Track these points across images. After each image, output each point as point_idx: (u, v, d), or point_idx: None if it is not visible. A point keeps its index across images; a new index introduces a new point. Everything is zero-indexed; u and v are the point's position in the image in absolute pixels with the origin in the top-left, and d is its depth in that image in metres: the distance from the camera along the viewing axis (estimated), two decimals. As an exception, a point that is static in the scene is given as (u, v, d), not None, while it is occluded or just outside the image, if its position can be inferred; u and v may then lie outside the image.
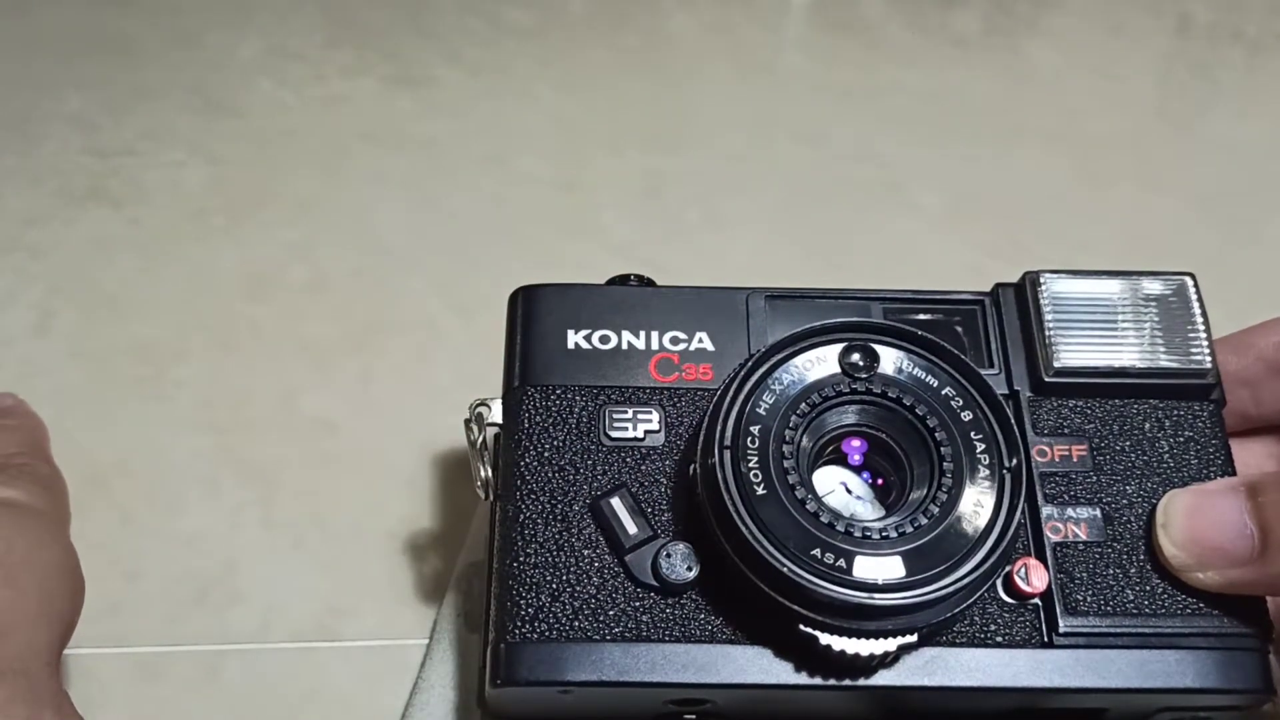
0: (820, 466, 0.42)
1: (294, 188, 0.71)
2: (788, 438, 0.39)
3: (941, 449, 0.40)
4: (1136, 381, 0.44)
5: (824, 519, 0.38)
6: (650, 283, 0.47)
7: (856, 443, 0.41)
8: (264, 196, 0.70)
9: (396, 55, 0.79)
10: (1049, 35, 0.86)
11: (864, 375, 0.41)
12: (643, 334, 0.45)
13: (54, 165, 0.71)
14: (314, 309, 0.64)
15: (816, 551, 0.37)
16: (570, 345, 0.44)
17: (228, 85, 0.77)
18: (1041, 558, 0.41)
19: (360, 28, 0.82)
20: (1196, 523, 0.41)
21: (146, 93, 0.76)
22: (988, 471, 0.39)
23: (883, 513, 0.41)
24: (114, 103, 0.75)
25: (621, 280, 0.47)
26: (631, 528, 0.41)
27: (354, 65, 0.79)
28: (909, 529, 0.38)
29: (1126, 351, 0.45)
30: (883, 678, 0.39)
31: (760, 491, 0.38)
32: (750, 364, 0.41)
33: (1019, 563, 0.41)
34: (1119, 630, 0.41)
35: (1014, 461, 0.40)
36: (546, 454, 0.42)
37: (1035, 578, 0.41)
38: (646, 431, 0.43)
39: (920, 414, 0.40)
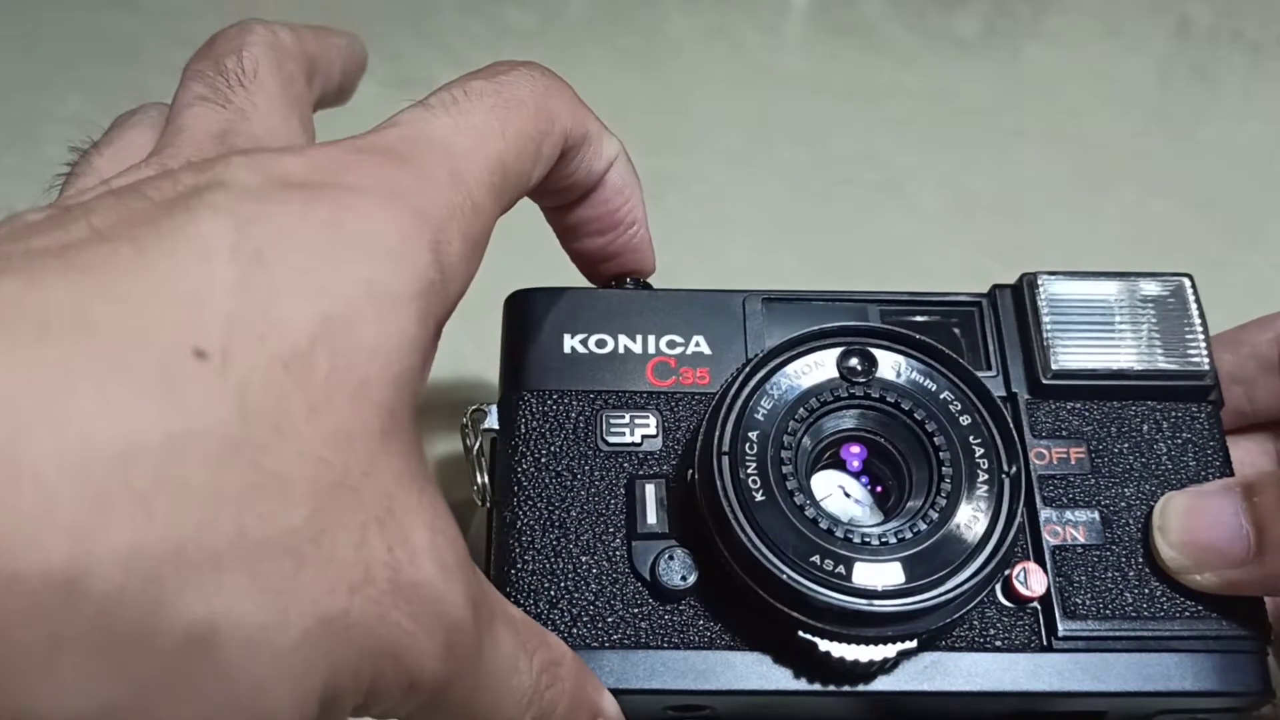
0: (818, 471, 0.42)
1: (293, 189, 0.70)
2: (786, 443, 0.39)
3: (940, 454, 0.40)
4: (1134, 383, 0.44)
5: (823, 525, 0.38)
6: (646, 285, 0.47)
7: (856, 449, 0.42)
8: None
9: (397, 57, 0.79)
10: (1049, 37, 0.86)
11: (862, 380, 0.41)
12: (639, 338, 0.45)
13: (54, 166, 0.71)
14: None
15: (815, 558, 0.37)
16: (566, 350, 0.44)
17: (228, 87, 0.77)
18: (1040, 561, 0.41)
19: (360, 29, 0.81)
20: (1192, 524, 0.41)
21: (147, 94, 0.75)
22: (986, 477, 0.39)
23: (881, 517, 0.41)
24: (114, 104, 0.74)
25: (618, 283, 0.47)
26: (650, 517, 0.41)
27: (354, 67, 0.79)
28: (908, 534, 0.38)
29: (1124, 353, 0.45)
30: (882, 683, 0.39)
31: (759, 498, 0.38)
32: (748, 369, 0.41)
33: (1018, 566, 0.41)
34: (1118, 633, 0.41)
35: (1013, 469, 0.40)
36: (543, 460, 0.42)
37: (1034, 581, 0.41)
38: (644, 436, 0.43)
39: (919, 419, 0.40)
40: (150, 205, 0.28)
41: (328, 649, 0.26)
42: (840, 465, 0.42)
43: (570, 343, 0.44)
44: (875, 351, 0.41)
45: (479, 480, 0.44)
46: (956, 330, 0.46)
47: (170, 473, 0.24)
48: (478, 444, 0.44)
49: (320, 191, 0.30)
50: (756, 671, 0.39)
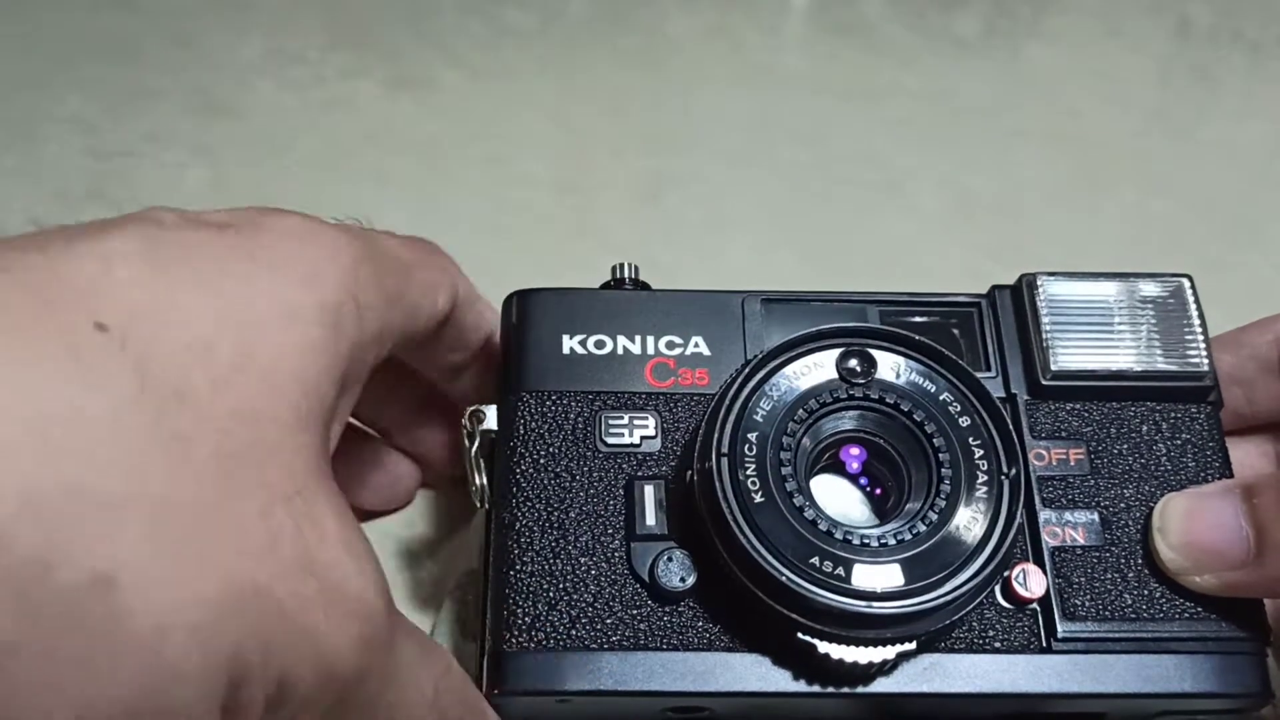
0: (818, 473, 0.42)
1: (294, 189, 0.70)
2: (785, 445, 0.39)
3: (939, 455, 0.40)
4: (1133, 384, 0.44)
5: (822, 527, 0.38)
6: (645, 285, 0.47)
7: (855, 451, 0.41)
8: (264, 198, 0.69)
9: (397, 57, 0.79)
10: (1049, 37, 0.86)
11: (861, 381, 0.41)
12: (638, 339, 0.44)
13: (54, 166, 0.71)
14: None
15: (815, 560, 0.37)
16: (565, 350, 0.44)
17: (228, 87, 0.77)
18: (1039, 563, 0.41)
19: (360, 29, 0.82)
20: (1192, 526, 0.41)
21: (147, 94, 0.76)
22: (986, 478, 0.39)
23: (880, 519, 0.41)
24: (114, 104, 0.75)
25: (617, 283, 0.47)
26: (649, 518, 0.41)
27: (354, 67, 0.79)
28: (907, 536, 0.38)
29: (1123, 354, 0.45)
30: (881, 685, 0.39)
31: (758, 499, 0.38)
32: (747, 370, 0.41)
33: (1017, 568, 0.41)
34: (1117, 635, 0.41)
35: (1013, 471, 0.40)
36: (542, 461, 0.42)
37: (1033, 583, 0.41)
38: (643, 438, 0.43)
39: (918, 420, 0.40)
40: (74, 230, 0.30)
41: (235, 615, 0.27)
42: (840, 466, 0.42)
43: (569, 343, 0.44)
44: (875, 352, 0.41)
45: (478, 481, 0.44)
46: (956, 331, 0.46)
47: (71, 421, 0.26)
48: (476, 445, 0.44)
49: (239, 228, 0.33)
50: (755, 673, 0.39)
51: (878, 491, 0.42)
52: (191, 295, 0.30)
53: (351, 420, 0.42)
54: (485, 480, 0.44)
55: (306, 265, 0.33)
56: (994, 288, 0.46)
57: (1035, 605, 0.41)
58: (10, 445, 0.25)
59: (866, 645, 0.37)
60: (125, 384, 0.27)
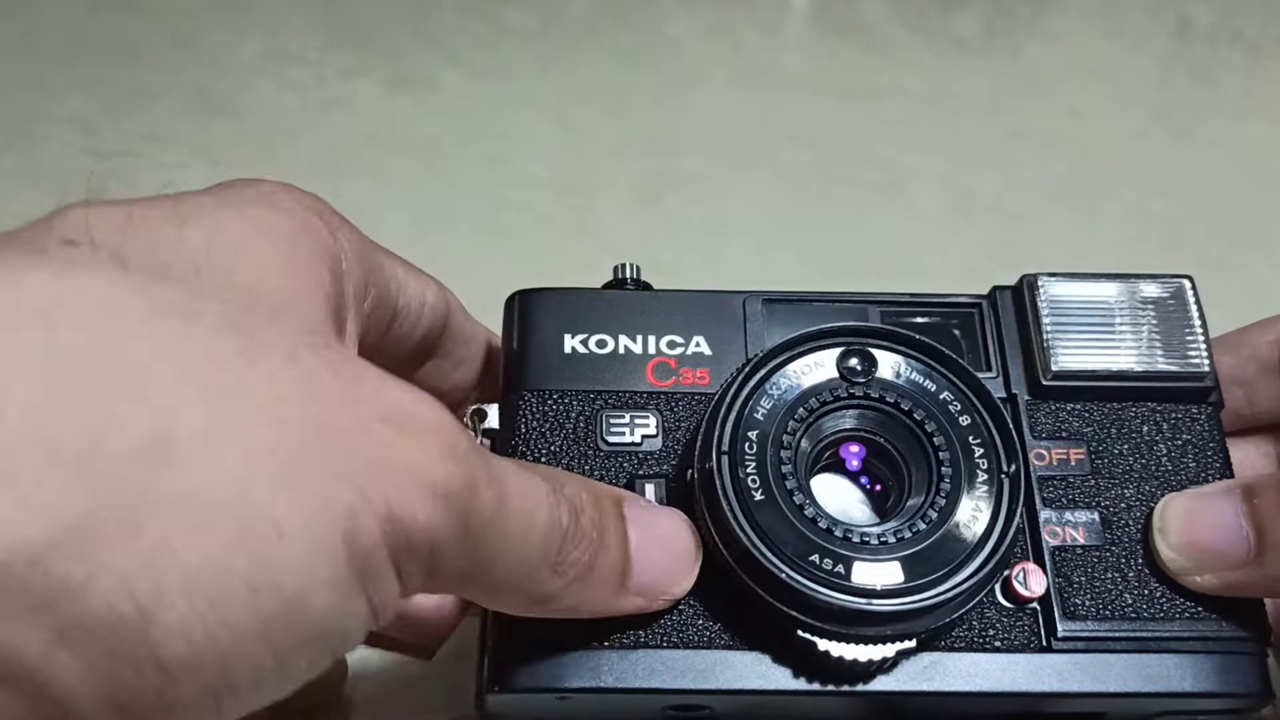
0: (818, 471, 0.42)
1: (294, 190, 0.71)
2: (786, 443, 0.39)
3: (939, 454, 0.40)
4: (1134, 385, 0.44)
5: (822, 524, 0.38)
6: (646, 285, 0.47)
7: (855, 448, 0.41)
8: (264, 198, 0.70)
9: (397, 57, 0.79)
10: (1049, 37, 0.86)
11: (862, 380, 0.41)
12: (639, 338, 0.44)
13: (54, 166, 0.71)
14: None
15: (815, 557, 0.37)
16: (567, 350, 0.44)
17: (228, 87, 0.77)
18: (1040, 562, 0.41)
19: (360, 29, 0.82)
20: (1192, 526, 0.41)
21: (147, 94, 0.76)
22: (986, 477, 0.39)
23: (880, 517, 0.41)
24: (114, 104, 0.75)
25: (618, 283, 0.47)
26: None
27: (354, 67, 0.79)
28: (907, 534, 0.38)
29: (1124, 354, 0.45)
30: (881, 683, 0.39)
31: (758, 497, 0.38)
32: (748, 369, 0.41)
33: (1017, 567, 0.41)
34: (1117, 634, 0.41)
35: (1012, 468, 0.40)
36: (544, 459, 0.42)
37: (1033, 582, 0.41)
38: (644, 436, 0.43)
39: (918, 419, 0.40)
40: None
41: (309, 456, 0.26)
42: (840, 465, 0.42)
43: (571, 343, 0.44)
44: (875, 352, 0.41)
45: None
46: (956, 331, 0.46)
47: (63, 304, 0.25)
48: (478, 443, 0.44)
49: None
50: (755, 671, 0.39)
51: (878, 489, 0.42)
52: (158, 213, 0.30)
53: None
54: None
55: (262, 189, 0.34)
56: (995, 288, 0.46)
57: (1035, 604, 0.41)
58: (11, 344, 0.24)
59: (866, 643, 0.37)
60: (104, 271, 0.27)
